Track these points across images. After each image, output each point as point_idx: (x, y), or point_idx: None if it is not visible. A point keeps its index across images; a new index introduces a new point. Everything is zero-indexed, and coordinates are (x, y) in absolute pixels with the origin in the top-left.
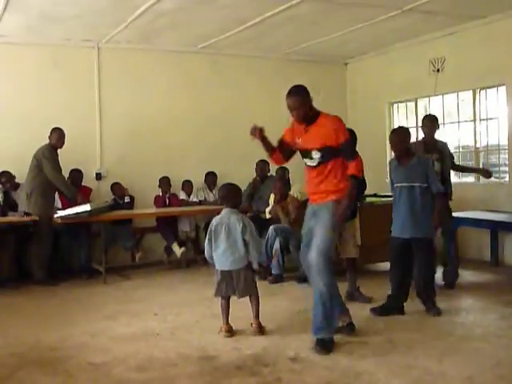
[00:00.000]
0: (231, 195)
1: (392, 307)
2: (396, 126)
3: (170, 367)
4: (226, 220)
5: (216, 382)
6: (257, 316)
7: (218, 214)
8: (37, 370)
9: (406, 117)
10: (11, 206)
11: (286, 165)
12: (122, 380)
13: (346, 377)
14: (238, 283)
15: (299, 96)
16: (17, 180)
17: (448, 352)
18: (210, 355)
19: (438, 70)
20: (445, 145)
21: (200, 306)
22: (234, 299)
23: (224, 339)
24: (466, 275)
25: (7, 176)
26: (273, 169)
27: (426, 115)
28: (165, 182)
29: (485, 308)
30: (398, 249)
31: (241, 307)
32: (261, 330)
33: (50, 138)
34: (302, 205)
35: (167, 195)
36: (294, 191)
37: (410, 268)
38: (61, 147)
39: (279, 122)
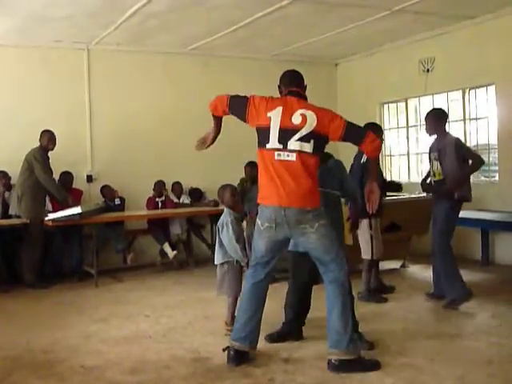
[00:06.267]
0: (218, 195)
1: (290, 331)
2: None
3: (163, 369)
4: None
5: (209, 383)
6: (229, 317)
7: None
8: (29, 373)
9: (397, 117)
10: (3, 206)
11: None
12: (114, 383)
13: (338, 377)
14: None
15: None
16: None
17: (440, 351)
18: (203, 357)
19: (428, 70)
20: (448, 141)
21: (192, 307)
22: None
23: (216, 340)
24: None
25: (2, 173)
26: None
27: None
28: (158, 186)
29: (476, 307)
30: (296, 264)
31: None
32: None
33: (40, 140)
34: None
35: (161, 198)
36: None
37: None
38: (52, 149)
39: None
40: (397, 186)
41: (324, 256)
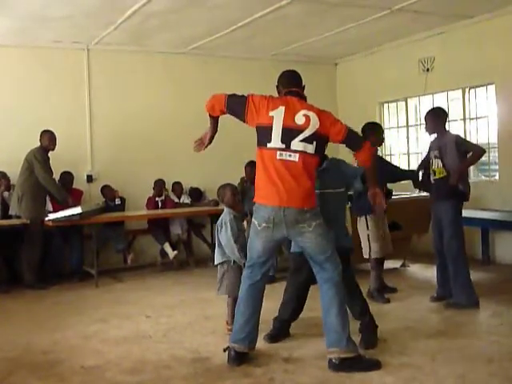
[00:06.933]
0: (218, 195)
1: (282, 330)
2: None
3: (163, 369)
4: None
5: (209, 383)
6: (229, 317)
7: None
8: (29, 374)
9: (397, 116)
10: (3, 207)
11: None
12: (114, 383)
13: (338, 376)
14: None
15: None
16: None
17: (440, 350)
18: (203, 357)
19: (428, 70)
20: (448, 139)
21: (192, 307)
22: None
23: (217, 340)
24: None
25: (1, 174)
26: None
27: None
28: (158, 185)
29: None
30: (297, 264)
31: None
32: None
33: (40, 140)
34: None
35: (161, 198)
36: None
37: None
38: (53, 149)
39: None
40: (411, 174)
41: (319, 255)
